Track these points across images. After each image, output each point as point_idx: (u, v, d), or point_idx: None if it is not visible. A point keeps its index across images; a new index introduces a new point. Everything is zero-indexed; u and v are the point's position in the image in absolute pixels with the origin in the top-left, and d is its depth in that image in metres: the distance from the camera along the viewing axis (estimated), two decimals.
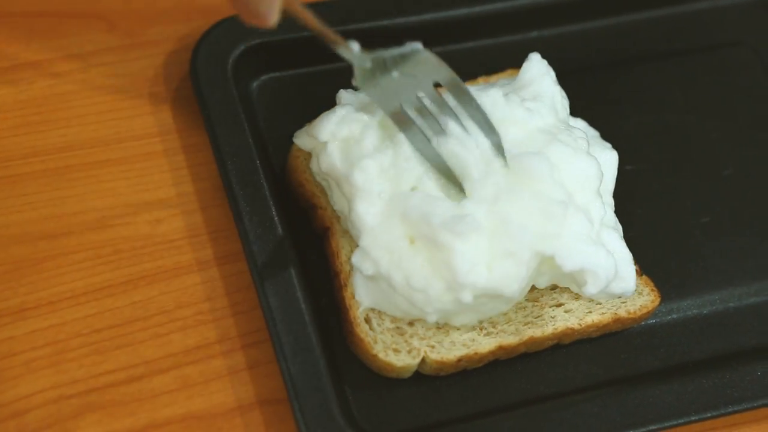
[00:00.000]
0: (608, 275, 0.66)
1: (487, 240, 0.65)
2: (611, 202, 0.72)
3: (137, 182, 0.73)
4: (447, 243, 0.64)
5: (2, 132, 0.74)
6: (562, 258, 0.65)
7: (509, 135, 0.68)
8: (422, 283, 0.65)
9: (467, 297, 0.65)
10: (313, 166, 0.71)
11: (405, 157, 0.68)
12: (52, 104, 0.76)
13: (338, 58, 0.80)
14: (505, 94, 0.70)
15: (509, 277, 0.65)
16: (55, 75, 0.77)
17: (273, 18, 0.63)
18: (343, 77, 0.79)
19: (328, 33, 0.67)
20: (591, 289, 0.66)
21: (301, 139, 0.73)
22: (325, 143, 0.69)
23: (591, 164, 0.69)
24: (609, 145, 0.74)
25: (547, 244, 0.65)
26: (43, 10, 0.80)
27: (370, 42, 0.79)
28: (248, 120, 0.74)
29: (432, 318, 0.67)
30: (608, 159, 0.72)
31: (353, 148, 0.69)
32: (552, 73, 0.73)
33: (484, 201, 0.66)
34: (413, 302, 0.66)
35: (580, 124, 0.75)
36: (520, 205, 0.65)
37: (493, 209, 0.65)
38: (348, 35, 0.79)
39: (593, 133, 0.75)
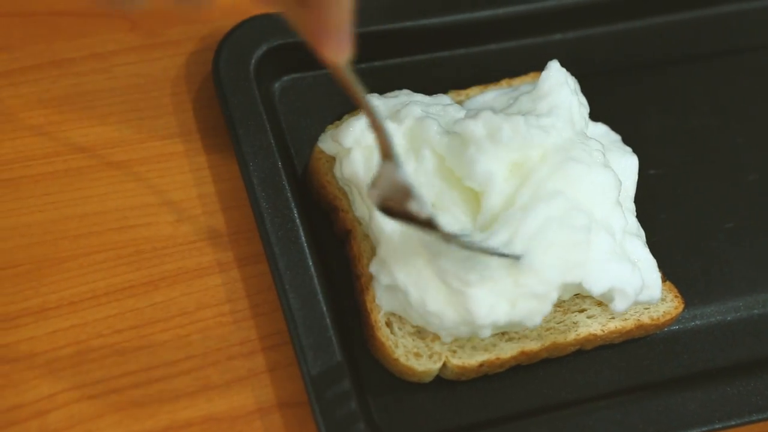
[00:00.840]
0: (636, 290, 0.66)
1: (510, 281, 0.63)
2: (632, 207, 0.71)
3: (159, 183, 0.73)
4: (460, 289, 0.63)
5: (25, 131, 0.74)
6: (589, 284, 0.65)
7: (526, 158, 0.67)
8: (437, 309, 0.64)
9: (486, 333, 0.64)
10: (336, 170, 0.71)
11: (425, 171, 0.67)
12: (75, 104, 0.76)
13: (361, 60, 0.80)
14: (525, 116, 0.67)
15: (533, 312, 0.64)
16: (78, 74, 0.77)
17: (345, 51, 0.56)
18: (365, 77, 0.79)
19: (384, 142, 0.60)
20: (619, 305, 0.66)
21: (326, 143, 0.72)
22: (348, 149, 0.69)
23: (607, 177, 0.68)
24: (629, 150, 0.73)
25: (573, 274, 0.64)
26: (66, 10, 0.80)
27: (392, 43, 0.79)
28: (270, 121, 0.74)
29: (447, 339, 0.66)
30: (628, 164, 0.72)
31: (377, 156, 0.68)
32: (571, 82, 0.72)
33: (506, 237, 0.63)
34: (428, 323, 0.65)
35: (600, 128, 0.75)
36: (543, 240, 0.63)
37: (516, 246, 0.63)
38: (370, 37, 0.79)
39: (615, 138, 0.75)
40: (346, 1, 0.53)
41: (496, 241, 0.63)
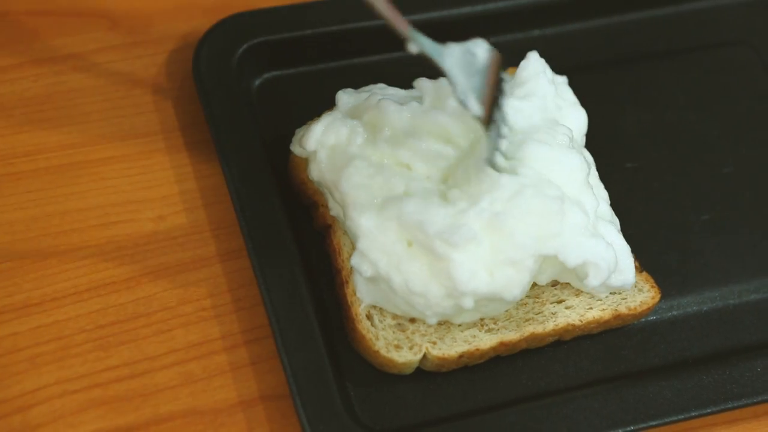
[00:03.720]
0: (609, 266, 0.67)
1: (488, 246, 0.65)
2: (605, 195, 0.72)
3: (140, 180, 0.74)
4: (444, 253, 0.64)
5: (6, 130, 0.75)
6: (564, 255, 0.65)
7: None
8: (421, 288, 0.65)
9: (468, 303, 0.65)
10: (309, 173, 0.71)
11: (385, 152, 0.68)
12: (56, 102, 0.76)
13: (340, 56, 0.80)
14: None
15: (511, 282, 0.65)
16: (59, 73, 0.77)
17: None
18: (345, 74, 0.80)
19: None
20: (593, 281, 0.67)
21: (295, 147, 0.73)
22: (314, 152, 0.70)
23: (573, 157, 0.69)
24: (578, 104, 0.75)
25: (548, 245, 0.65)
26: (46, 9, 0.80)
27: (371, 41, 0.80)
28: (251, 117, 0.75)
29: (432, 320, 0.67)
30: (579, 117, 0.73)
31: (340, 155, 0.69)
32: (549, 72, 0.73)
33: (484, 207, 0.65)
34: (413, 305, 0.66)
35: (562, 83, 0.75)
36: (518, 210, 0.65)
37: (493, 215, 0.65)
38: (348, 36, 0.80)
39: (572, 99, 0.75)
40: None
41: (476, 203, 0.65)
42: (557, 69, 0.75)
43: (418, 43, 0.63)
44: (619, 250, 0.69)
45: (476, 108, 0.64)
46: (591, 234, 0.66)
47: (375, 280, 0.67)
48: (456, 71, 0.64)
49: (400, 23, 0.62)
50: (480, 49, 0.66)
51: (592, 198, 0.69)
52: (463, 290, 0.64)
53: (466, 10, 0.82)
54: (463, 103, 0.64)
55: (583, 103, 0.75)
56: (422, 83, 0.72)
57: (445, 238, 0.64)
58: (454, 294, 0.65)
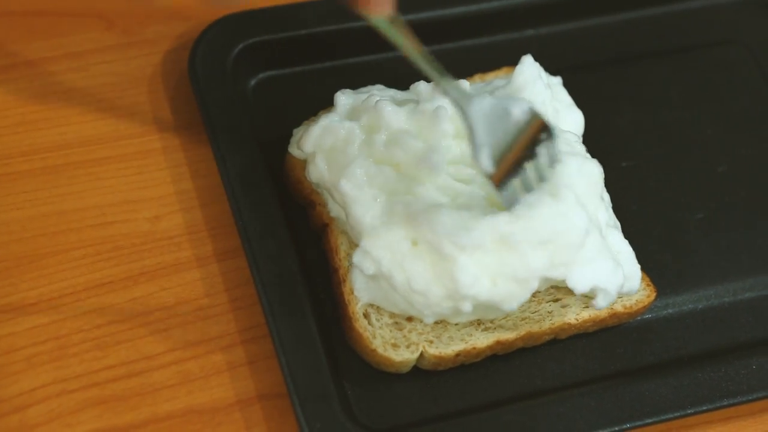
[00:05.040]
0: (617, 288, 0.67)
1: (496, 256, 0.64)
2: (608, 199, 0.72)
3: (136, 179, 0.74)
4: (451, 254, 0.64)
5: (2, 130, 0.75)
6: (573, 282, 0.66)
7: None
8: (423, 287, 0.65)
9: (467, 307, 0.65)
10: (307, 175, 0.71)
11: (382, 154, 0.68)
12: (52, 102, 0.76)
13: (336, 56, 0.80)
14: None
15: (512, 296, 0.65)
16: (54, 73, 0.77)
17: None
18: (342, 74, 0.80)
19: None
20: (601, 303, 0.67)
21: (293, 148, 0.73)
22: (312, 154, 0.70)
23: (594, 168, 0.69)
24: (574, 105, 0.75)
25: (558, 271, 0.65)
26: (42, 9, 0.80)
27: (368, 40, 0.80)
28: (246, 117, 0.75)
29: (429, 319, 0.67)
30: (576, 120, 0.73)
31: (338, 156, 0.69)
32: (544, 76, 0.73)
33: (500, 221, 0.64)
34: (412, 303, 0.66)
35: (557, 84, 0.75)
36: (536, 235, 0.64)
37: (509, 234, 0.64)
38: (345, 35, 0.80)
39: (568, 101, 0.75)
40: None
41: (499, 220, 0.64)
42: (551, 68, 0.76)
43: (447, 88, 0.62)
44: (624, 257, 0.69)
45: (486, 164, 0.63)
46: (603, 256, 0.66)
47: (375, 277, 0.67)
48: (479, 122, 0.63)
49: (428, 64, 0.61)
50: (518, 110, 0.64)
51: (605, 211, 0.69)
52: (464, 293, 0.64)
53: (460, 9, 0.82)
54: (475, 156, 0.63)
55: (577, 102, 0.75)
56: (419, 87, 0.72)
57: (454, 239, 0.64)
58: (454, 296, 0.65)
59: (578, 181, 0.67)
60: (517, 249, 0.64)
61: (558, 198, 0.65)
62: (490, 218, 0.64)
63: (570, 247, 0.65)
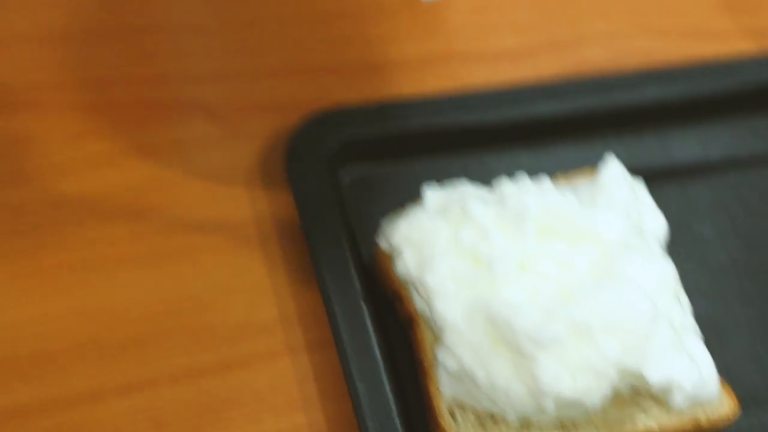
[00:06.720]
0: (694, 386, 0.68)
1: (572, 350, 0.66)
2: (688, 304, 0.73)
3: (234, 269, 0.76)
4: (531, 353, 0.66)
5: (110, 214, 0.78)
6: (649, 373, 0.67)
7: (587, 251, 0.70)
8: (504, 385, 0.67)
9: (549, 405, 0.67)
10: (394, 267, 0.73)
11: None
12: (155, 189, 0.79)
13: (429, 154, 0.83)
14: (582, 205, 0.72)
15: (592, 390, 0.66)
16: (158, 162, 0.81)
17: None
18: (425, 173, 0.82)
19: None
20: (678, 400, 0.68)
21: (381, 240, 0.75)
22: (398, 247, 0.72)
23: (666, 268, 0.71)
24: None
25: (632, 360, 0.67)
26: (146, 99, 0.83)
27: (453, 139, 0.83)
28: (340, 210, 0.77)
29: (512, 417, 0.69)
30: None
31: (424, 250, 0.71)
32: (627, 176, 0.75)
33: (573, 311, 0.67)
34: (495, 401, 0.68)
35: (639, 185, 0.77)
36: (607, 321, 0.67)
37: (581, 320, 0.67)
38: (430, 132, 0.83)
39: (650, 203, 0.77)
40: None
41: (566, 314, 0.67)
42: (633, 174, 0.77)
43: None
44: (703, 364, 0.70)
45: None
46: (677, 351, 0.68)
47: (458, 374, 0.69)
48: None
49: None
50: None
51: (680, 311, 0.70)
52: (545, 391, 0.66)
53: (546, 110, 0.84)
54: None
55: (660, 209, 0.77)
56: (503, 187, 0.74)
57: (533, 337, 0.66)
58: (536, 394, 0.67)
59: (648, 277, 0.69)
60: (590, 335, 0.66)
61: (623, 285, 0.68)
62: (564, 309, 0.66)
63: (638, 332, 0.66)
